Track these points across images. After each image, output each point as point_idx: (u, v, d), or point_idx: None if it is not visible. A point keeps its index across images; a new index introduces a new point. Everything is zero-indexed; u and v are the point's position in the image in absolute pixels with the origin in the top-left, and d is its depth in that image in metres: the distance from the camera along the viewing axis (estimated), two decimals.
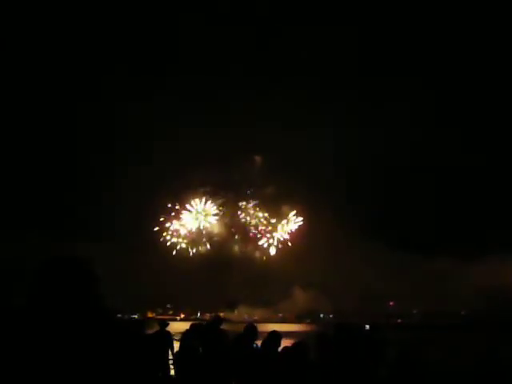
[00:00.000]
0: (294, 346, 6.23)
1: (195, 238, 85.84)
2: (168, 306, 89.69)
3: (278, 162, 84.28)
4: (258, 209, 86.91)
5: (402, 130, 78.83)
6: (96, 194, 77.27)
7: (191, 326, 7.96)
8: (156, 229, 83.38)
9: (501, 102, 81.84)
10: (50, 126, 79.46)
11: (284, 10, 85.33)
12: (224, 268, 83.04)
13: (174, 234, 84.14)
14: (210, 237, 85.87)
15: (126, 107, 77.67)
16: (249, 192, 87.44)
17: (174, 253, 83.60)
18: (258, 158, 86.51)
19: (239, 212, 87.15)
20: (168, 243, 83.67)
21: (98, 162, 78.55)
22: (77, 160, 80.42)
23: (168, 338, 9.46)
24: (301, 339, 6.38)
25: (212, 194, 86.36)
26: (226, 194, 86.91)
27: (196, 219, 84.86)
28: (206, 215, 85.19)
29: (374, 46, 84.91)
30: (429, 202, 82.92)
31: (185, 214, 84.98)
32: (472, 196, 79.30)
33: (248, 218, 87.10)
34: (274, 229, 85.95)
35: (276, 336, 6.48)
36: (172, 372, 8.80)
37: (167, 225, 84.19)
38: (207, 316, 77.12)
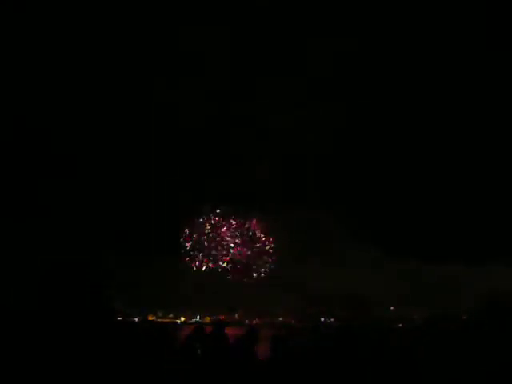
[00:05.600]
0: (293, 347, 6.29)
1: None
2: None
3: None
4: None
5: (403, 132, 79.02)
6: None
7: (194, 329, 8.04)
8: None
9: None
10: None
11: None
12: (225, 272, 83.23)
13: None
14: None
15: None
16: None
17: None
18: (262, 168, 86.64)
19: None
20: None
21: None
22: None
23: (168, 340, 9.49)
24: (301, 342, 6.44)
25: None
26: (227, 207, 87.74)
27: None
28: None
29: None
30: (429, 205, 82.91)
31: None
32: (472, 198, 79.36)
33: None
34: None
35: (278, 340, 6.55)
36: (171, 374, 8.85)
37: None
38: (207, 319, 77.05)
